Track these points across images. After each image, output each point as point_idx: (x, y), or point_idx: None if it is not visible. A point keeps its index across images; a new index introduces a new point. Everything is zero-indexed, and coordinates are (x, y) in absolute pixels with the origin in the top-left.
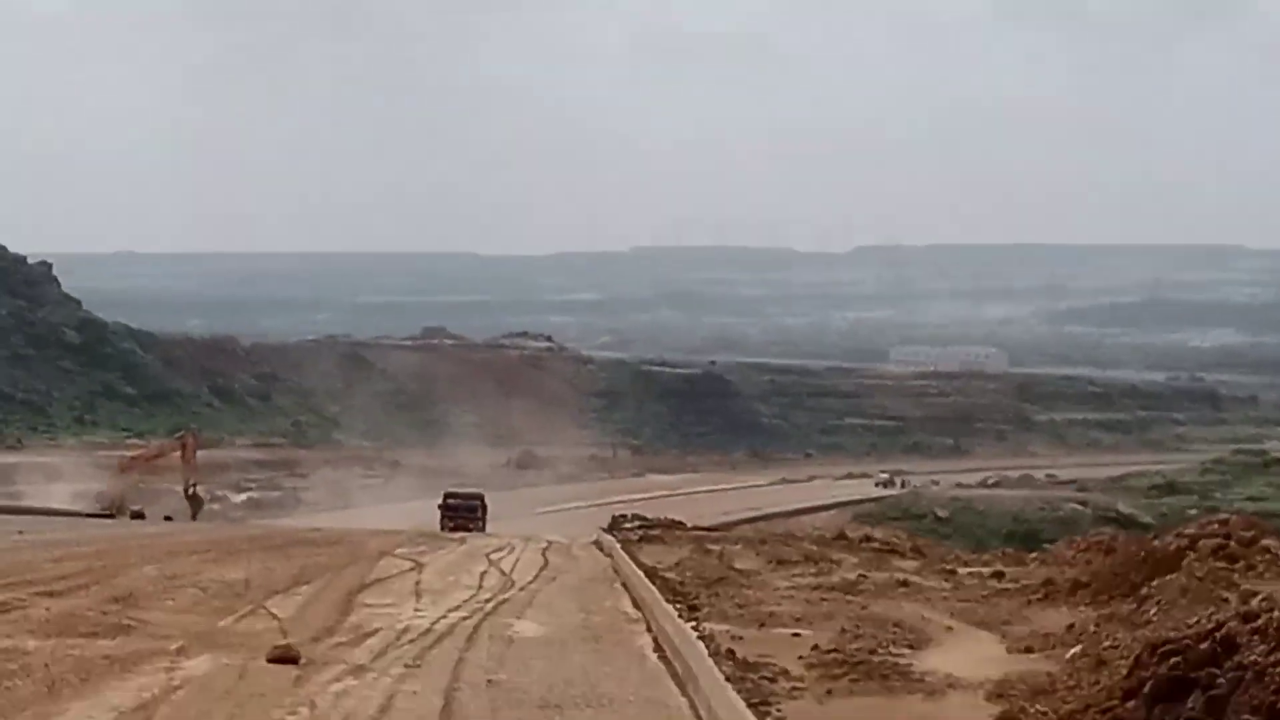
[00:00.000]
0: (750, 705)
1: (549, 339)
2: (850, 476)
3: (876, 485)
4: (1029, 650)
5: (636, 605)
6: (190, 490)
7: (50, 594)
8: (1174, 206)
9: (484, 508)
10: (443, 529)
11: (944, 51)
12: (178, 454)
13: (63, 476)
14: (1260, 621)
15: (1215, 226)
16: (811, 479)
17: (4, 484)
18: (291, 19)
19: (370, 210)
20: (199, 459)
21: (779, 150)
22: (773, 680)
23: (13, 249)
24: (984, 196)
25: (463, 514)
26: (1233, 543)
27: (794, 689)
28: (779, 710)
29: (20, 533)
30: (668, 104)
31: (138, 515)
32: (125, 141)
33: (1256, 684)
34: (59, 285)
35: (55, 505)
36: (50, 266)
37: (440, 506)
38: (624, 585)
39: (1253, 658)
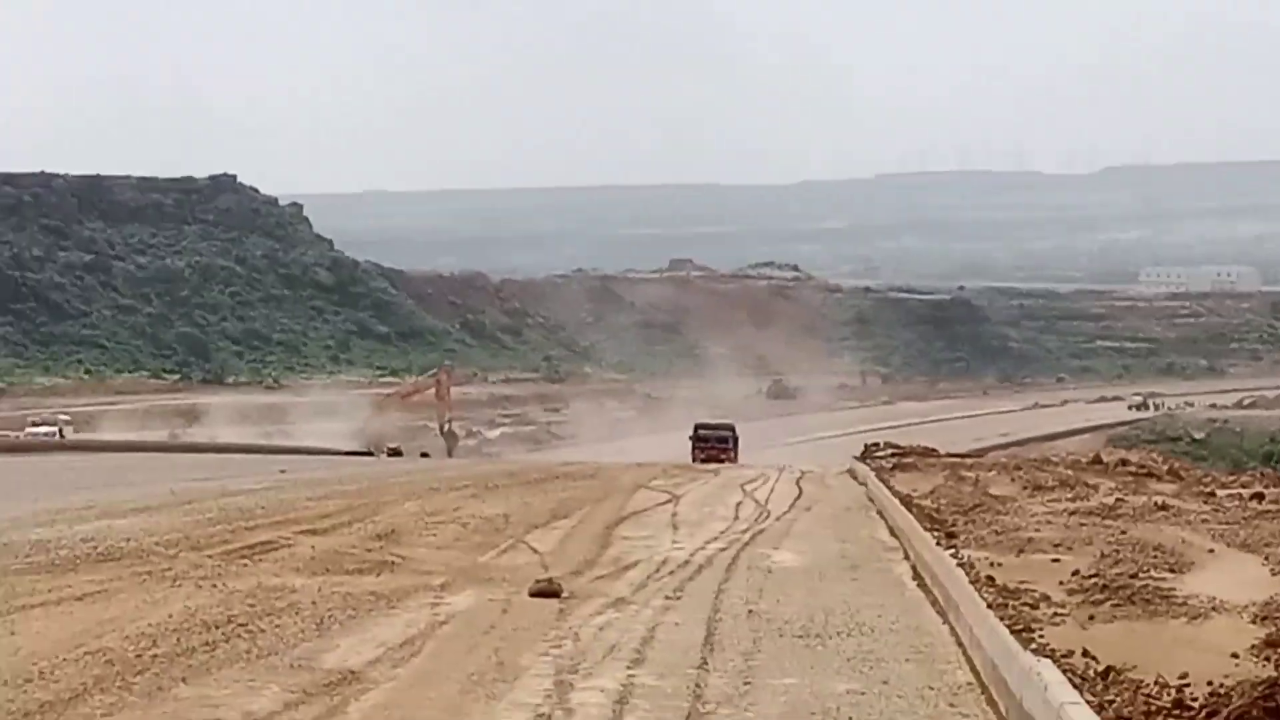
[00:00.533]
0: (1013, 632)
1: (796, 268)
2: (1103, 400)
3: (1130, 408)
4: None
5: (893, 533)
6: (446, 426)
7: (314, 532)
8: None
9: (735, 439)
10: (694, 460)
11: None
12: (432, 391)
13: (321, 414)
14: None
15: None
16: (1064, 403)
17: (265, 423)
18: None
19: (613, 143)
20: (453, 395)
21: (1022, 72)
22: (1034, 606)
23: (264, 191)
24: (1234, 112)
25: (714, 445)
26: None
27: (1055, 614)
28: (1041, 635)
29: (283, 471)
30: (909, 29)
31: (395, 452)
32: (372, 82)
33: None
34: (310, 226)
35: (314, 444)
36: (301, 208)
37: (691, 438)
38: (879, 514)
39: None
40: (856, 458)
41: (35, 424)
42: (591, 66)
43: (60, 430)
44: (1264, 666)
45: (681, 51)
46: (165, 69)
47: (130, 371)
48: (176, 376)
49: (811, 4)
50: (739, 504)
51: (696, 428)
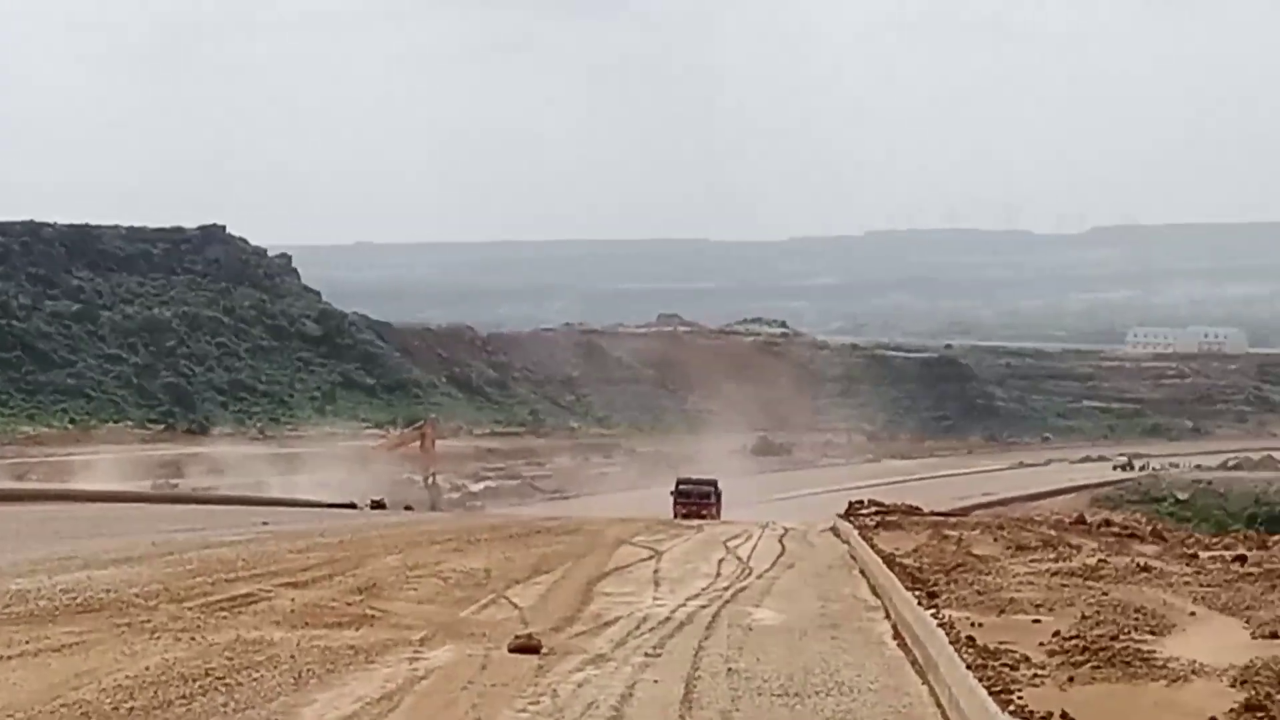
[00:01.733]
0: (991, 693)
1: (784, 324)
2: (1088, 460)
3: (1115, 469)
4: (1274, 635)
5: (875, 592)
6: (430, 479)
7: (295, 584)
8: None
9: (718, 494)
10: (676, 516)
11: (1181, 23)
12: (417, 444)
13: (306, 466)
14: None
15: None
16: (1049, 462)
17: (249, 474)
18: (534, 6)
19: (603, 198)
20: (438, 448)
21: (1013, 131)
22: (1013, 667)
23: (253, 242)
24: (1224, 173)
25: (696, 500)
26: None
27: (1035, 676)
28: (1020, 697)
29: (265, 523)
30: (901, 87)
31: (378, 505)
32: (365, 133)
33: None
34: (299, 277)
35: (298, 496)
36: (290, 259)
37: (673, 493)
38: (862, 572)
39: None
40: (840, 515)
41: None
42: (582, 121)
43: None
44: None
45: (672, 107)
46: (157, 119)
47: (115, 421)
48: (161, 426)
49: (804, 62)
50: (721, 561)
51: (679, 483)
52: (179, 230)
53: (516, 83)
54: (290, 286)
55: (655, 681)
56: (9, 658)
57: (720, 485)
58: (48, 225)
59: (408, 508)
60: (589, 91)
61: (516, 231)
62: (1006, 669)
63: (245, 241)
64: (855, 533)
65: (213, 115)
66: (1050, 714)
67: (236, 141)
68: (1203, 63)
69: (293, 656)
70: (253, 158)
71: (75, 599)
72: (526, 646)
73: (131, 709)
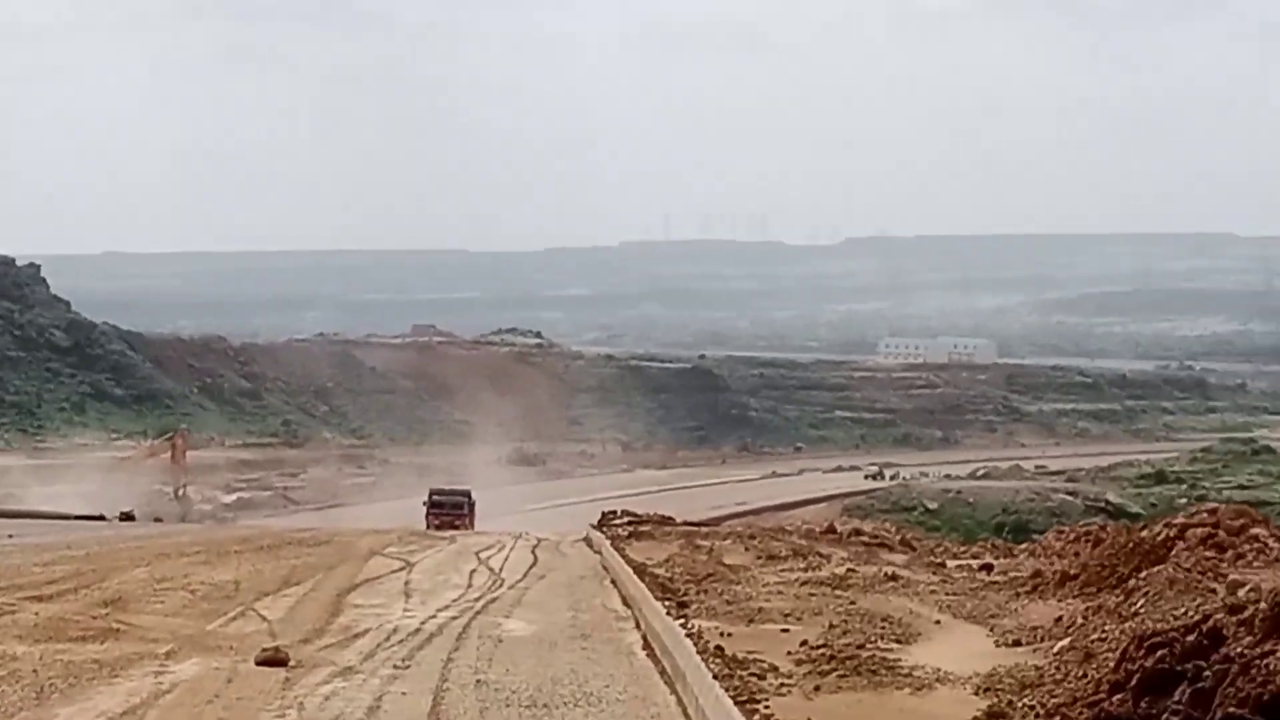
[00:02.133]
0: (738, 702)
1: (539, 335)
2: (840, 469)
3: (866, 478)
4: (1017, 644)
5: (626, 603)
6: (180, 491)
7: (39, 598)
8: (1164, 195)
9: (471, 505)
10: (429, 527)
11: (931, 42)
12: (168, 455)
13: (54, 478)
14: (1247, 613)
15: (1205, 215)
16: (801, 472)
17: None
18: (278, 16)
19: (359, 208)
20: (189, 459)
21: (767, 143)
22: (761, 677)
23: (1, 251)
24: (973, 187)
25: (449, 511)
26: (1221, 532)
27: (782, 685)
28: (766, 707)
29: (10, 536)
30: (656, 98)
31: (127, 517)
32: (111, 142)
33: (1243, 676)
34: (47, 286)
35: (45, 508)
36: (39, 268)
37: (426, 504)
38: (613, 582)
39: (1239, 650)
40: (593, 526)
41: None
42: (337, 130)
43: None
44: None
45: (427, 117)
46: None
47: None
48: None
49: (560, 74)
50: (473, 572)
51: (431, 494)
52: None
53: (267, 92)
54: (39, 296)
55: (403, 694)
56: None
57: (474, 496)
58: None
59: (157, 519)
60: (340, 102)
61: (267, 242)
62: (754, 678)
63: None
64: (607, 543)
65: None
66: None
67: None
68: (951, 80)
69: (35, 671)
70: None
71: None
72: (274, 659)
73: None
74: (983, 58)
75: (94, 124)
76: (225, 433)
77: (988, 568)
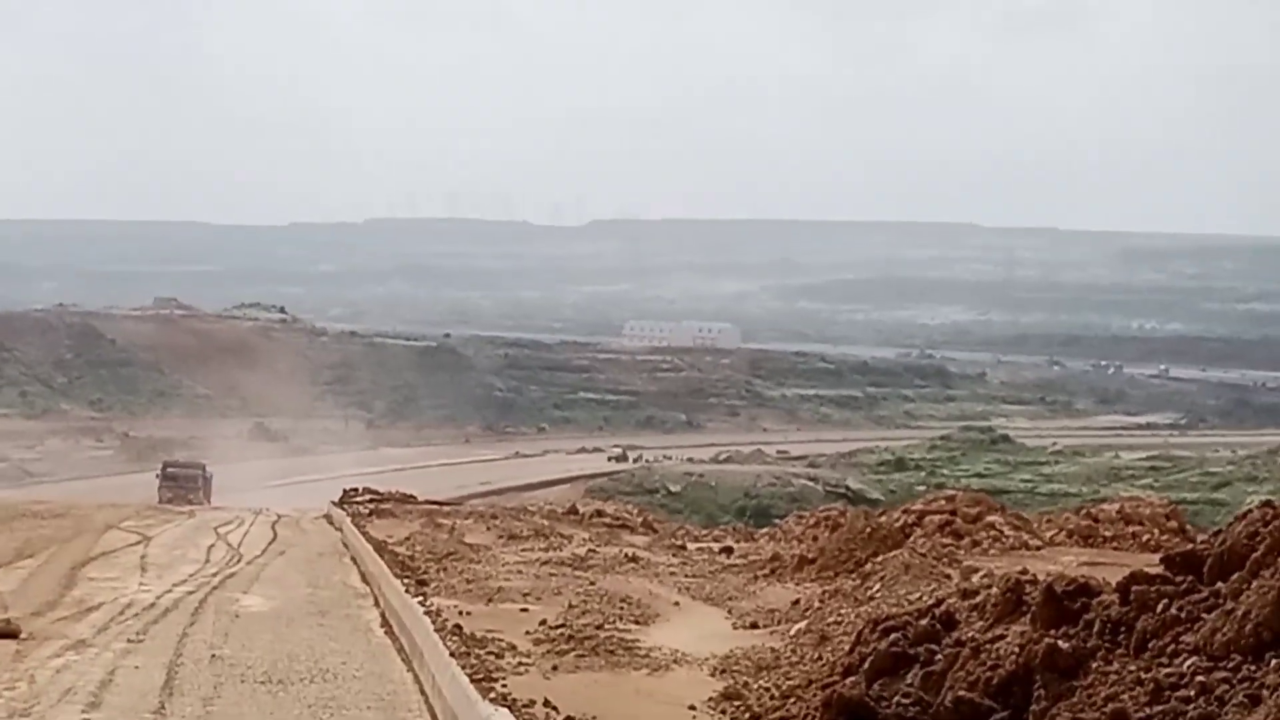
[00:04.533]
0: (474, 680)
1: (282, 310)
2: (584, 451)
3: (609, 460)
4: (754, 626)
5: (365, 579)
6: None
7: None
8: (907, 184)
9: (206, 479)
10: (161, 500)
11: (678, 26)
12: None
13: None
14: (979, 598)
15: (947, 204)
16: (545, 453)
17: None
18: None
19: (100, 178)
20: None
21: (514, 124)
22: (499, 655)
23: None
24: (719, 172)
25: (182, 484)
26: (958, 519)
27: (520, 664)
28: (504, 685)
29: None
30: (403, 75)
31: None
32: None
33: (973, 660)
34: None
35: None
36: None
37: (158, 476)
38: (353, 559)
39: (970, 634)
40: (334, 503)
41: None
42: (78, 100)
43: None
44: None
45: (171, 89)
46: None
47: None
48: None
49: (303, 49)
50: (211, 547)
51: (165, 466)
52: None
53: (10, 58)
54: None
55: (136, 668)
56: None
57: (210, 470)
58: None
59: None
60: (77, 69)
61: (6, 211)
62: (492, 657)
63: None
64: (348, 520)
65: None
66: (532, 701)
67: None
68: (701, 67)
69: None
70: None
71: None
72: (4, 632)
73: None
74: (726, 43)
75: None
76: None
77: (728, 550)
